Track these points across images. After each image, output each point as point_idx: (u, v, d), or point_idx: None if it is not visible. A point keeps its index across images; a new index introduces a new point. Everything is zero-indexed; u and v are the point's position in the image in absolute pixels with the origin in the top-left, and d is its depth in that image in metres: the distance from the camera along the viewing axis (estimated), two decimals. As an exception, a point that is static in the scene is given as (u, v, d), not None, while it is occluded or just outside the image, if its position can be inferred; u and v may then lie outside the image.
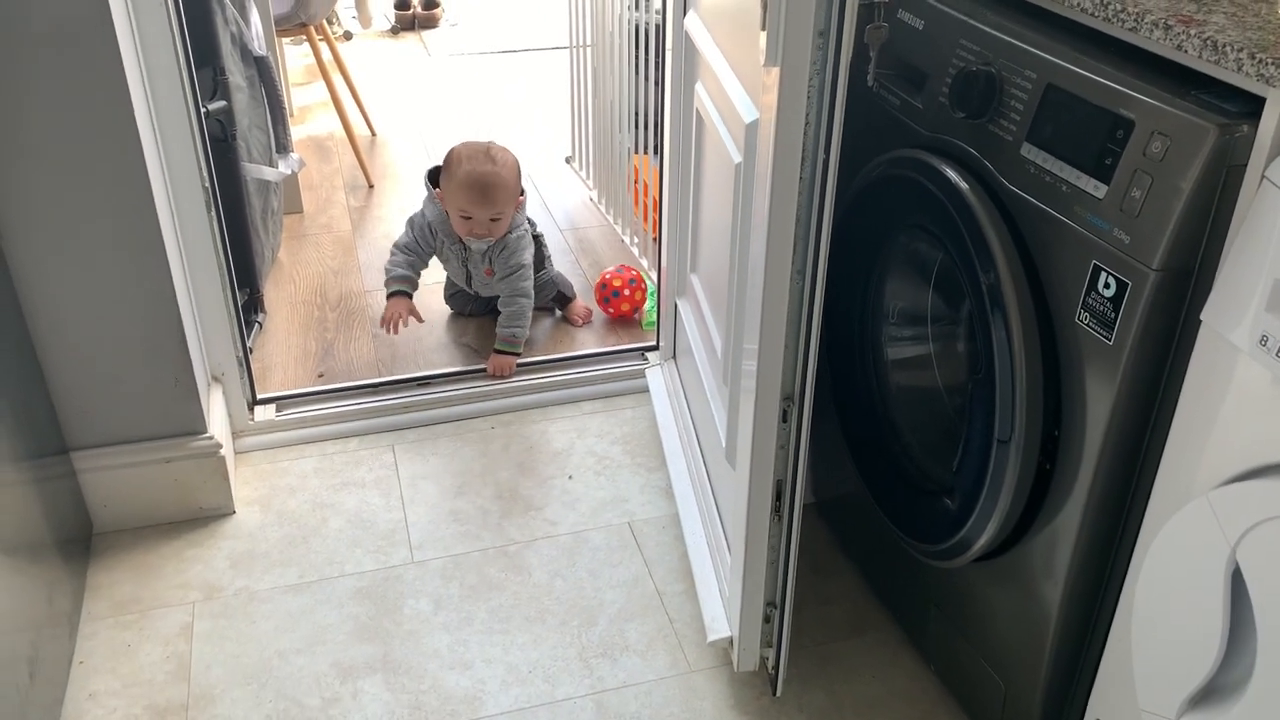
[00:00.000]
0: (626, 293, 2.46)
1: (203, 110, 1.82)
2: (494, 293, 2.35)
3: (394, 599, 1.74)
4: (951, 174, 1.27)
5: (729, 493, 1.62)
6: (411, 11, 4.83)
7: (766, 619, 1.51)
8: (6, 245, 1.60)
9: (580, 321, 2.49)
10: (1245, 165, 0.97)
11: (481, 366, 2.28)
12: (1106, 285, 1.09)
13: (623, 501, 1.95)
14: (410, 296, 2.32)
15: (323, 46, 3.26)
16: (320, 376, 2.28)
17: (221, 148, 2.18)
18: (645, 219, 2.71)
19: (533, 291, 2.35)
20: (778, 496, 1.40)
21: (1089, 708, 1.27)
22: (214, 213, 1.87)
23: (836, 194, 1.20)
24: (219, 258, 1.91)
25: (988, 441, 1.27)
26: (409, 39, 4.78)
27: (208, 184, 1.84)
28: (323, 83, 3.29)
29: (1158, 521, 1.09)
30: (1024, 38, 1.19)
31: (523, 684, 1.60)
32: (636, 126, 2.77)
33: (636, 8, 2.66)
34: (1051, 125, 1.15)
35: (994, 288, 1.20)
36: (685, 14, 1.85)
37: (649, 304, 2.47)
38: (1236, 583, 0.99)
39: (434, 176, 2.33)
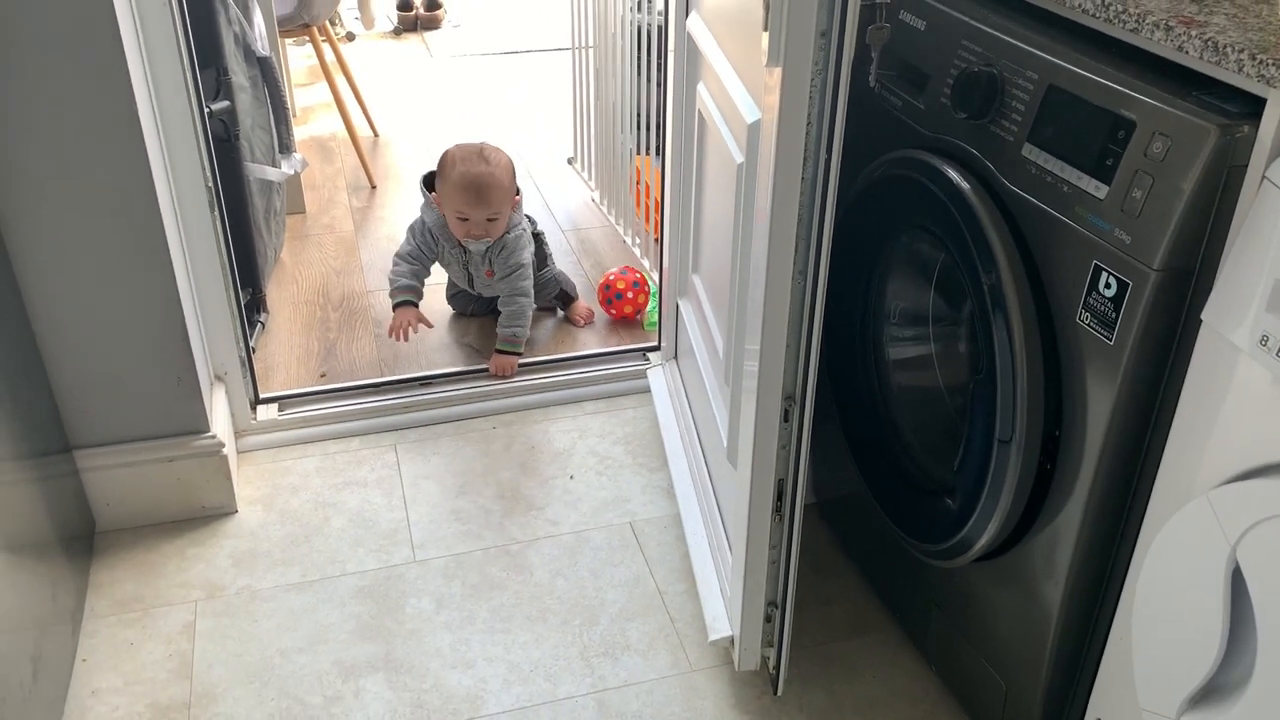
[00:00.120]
0: (630, 295, 2.46)
1: (206, 110, 1.83)
2: (496, 293, 2.36)
3: (396, 598, 1.74)
4: (953, 174, 1.27)
5: (730, 492, 1.62)
6: (414, 12, 4.84)
7: (767, 619, 1.51)
8: (10, 244, 1.60)
9: (582, 322, 2.49)
10: (1246, 166, 0.97)
11: (483, 366, 2.28)
12: (1107, 285, 1.09)
13: (624, 501, 1.96)
14: (416, 305, 2.32)
15: (325, 47, 3.27)
16: (322, 376, 2.28)
17: (225, 148, 2.18)
18: (647, 220, 2.72)
19: (533, 290, 2.35)
20: (779, 496, 1.40)
21: (1090, 707, 1.27)
22: (217, 212, 1.88)
23: (838, 194, 1.21)
24: (222, 257, 1.91)
25: (989, 441, 1.27)
26: (411, 40, 4.79)
27: (211, 184, 1.84)
28: (325, 83, 3.29)
29: (1158, 521, 1.09)
30: (1025, 39, 1.20)
31: (524, 683, 1.60)
32: (638, 127, 2.77)
33: (639, 9, 2.66)
34: (1053, 126, 1.15)
35: (995, 288, 1.21)
36: (687, 15, 1.85)
37: (651, 305, 2.47)
38: (1237, 582, 0.99)
39: (429, 182, 2.33)
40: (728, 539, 1.66)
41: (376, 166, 3.36)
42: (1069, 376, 1.18)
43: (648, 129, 2.74)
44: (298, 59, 4.14)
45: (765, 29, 1.15)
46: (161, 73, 1.71)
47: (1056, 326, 1.18)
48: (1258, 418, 0.96)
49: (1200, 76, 1.02)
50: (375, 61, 4.46)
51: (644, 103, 2.72)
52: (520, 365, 2.27)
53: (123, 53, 1.53)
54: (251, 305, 2.38)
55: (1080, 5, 1.14)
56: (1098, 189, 1.09)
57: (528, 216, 2.43)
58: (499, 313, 2.32)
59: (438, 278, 2.46)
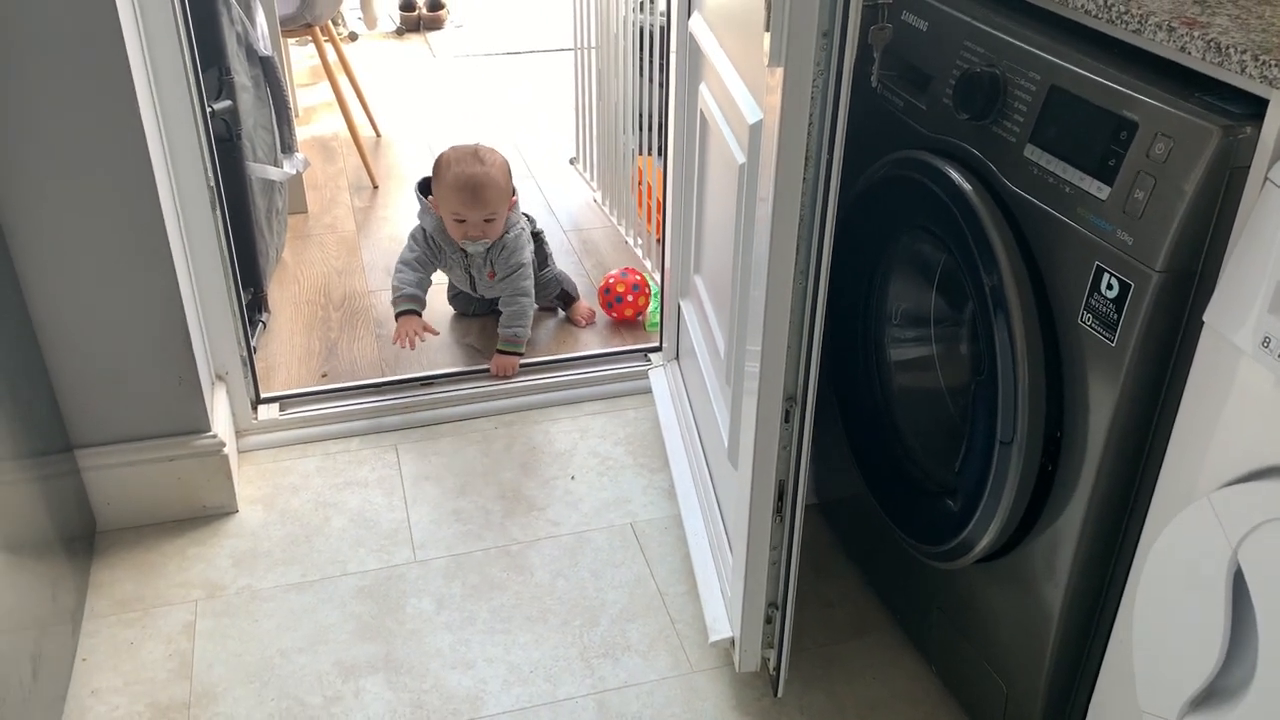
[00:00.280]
0: (630, 298, 2.45)
1: (208, 110, 1.83)
2: (498, 294, 2.36)
3: (396, 598, 1.74)
4: (955, 175, 1.27)
5: (731, 493, 1.62)
6: (416, 13, 4.84)
7: (768, 620, 1.51)
8: (12, 244, 1.60)
9: (584, 322, 2.49)
10: (1248, 167, 0.97)
11: (484, 367, 2.28)
12: (1109, 287, 1.09)
13: (625, 502, 1.95)
14: (420, 314, 2.30)
15: (328, 47, 3.27)
16: (323, 376, 2.28)
17: (226, 147, 2.18)
18: (649, 220, 2.72)
19: (534, 290, 2.35)
20: (780, 497, 1.40)
21: (1090, 709, 1.27)
22: (219, 212, 1.88)
23: (839, 195, 1.21)
24: (223, 257, 1.91)
25: (990, 443, 1.27)
26: (414, 40, 4.79)
27: (213, 183, 1.84)
28: (328, 83, 3.30)
29: (1160, 523, 1.09)
30: (1028, 39, 1.20)
31: (524, 683, 1.60)
32: (640, 128, 2.77)
33: (641, 10, 2.66)
34: (1055, 127, 1.15)
35: (997, 289, 1.20)
36: (689, 15, 1.85)
37: (652, 306, 2.47)
38: (1238, 584, 0.99)
39: (424, 187, 2.33)
40: (728, 540, 1.66)
41: (378, 166, 3.36)
42: (1070, 378, 1.18)
43: (650, 129, 2.74)
44: (300, 59, 4.14)
45: (767, 29, 1.14)
46: (163, 72, 1.71)
47: (1058, 328, 1.18)
48: (1260, 420, 0.96)
49: (1203, 78, 1.02)
50: (377, 61, 4.46)
51: (646, 103, 2.72)
52: (521, 366, 2.27)
53: (124, 52, 1.53)
54: (253, 305, 2.38)
55: (1083, 6, 1.14)
56: (1100, 190, 1.09)
57: (526, 215, 2.43)
58: (500, 313, 2.32)
59: (440, 277, 2.46)
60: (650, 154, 2.74)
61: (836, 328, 1.59)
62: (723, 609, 1.63)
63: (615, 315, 2.48)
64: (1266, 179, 0.94)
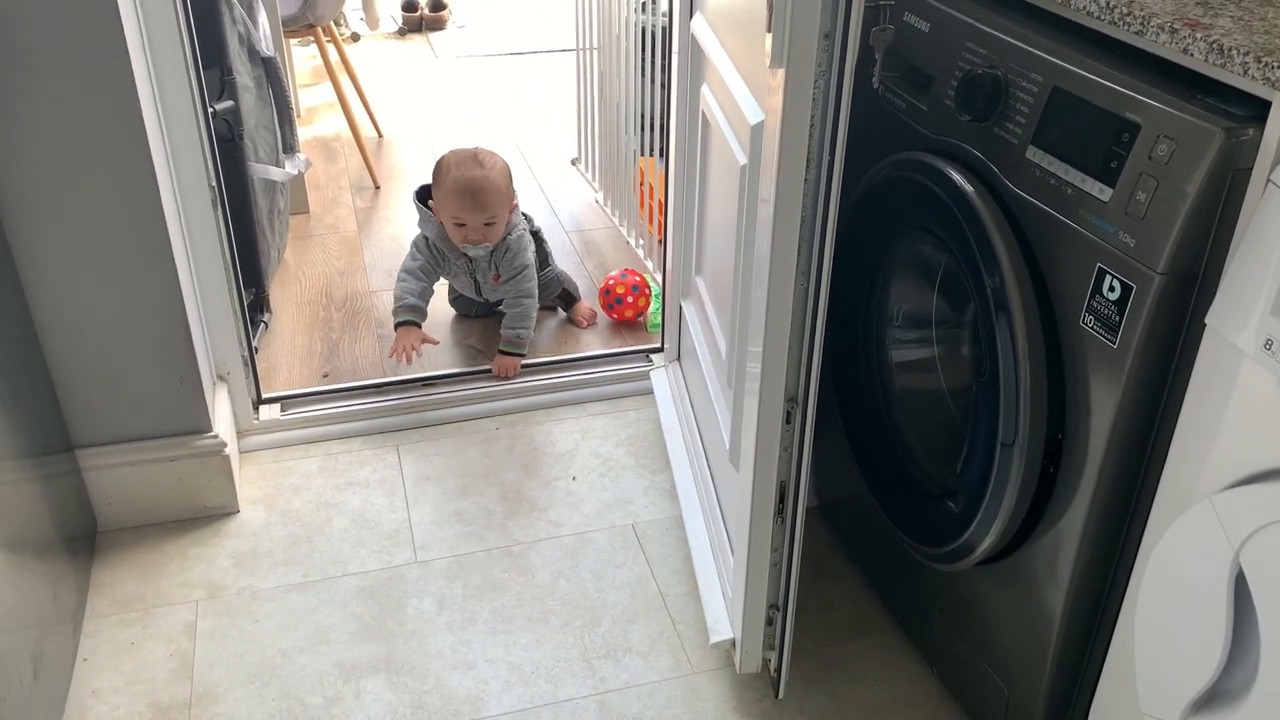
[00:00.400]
0: (630, 299, 2.45)
1: (210, 110, 1.83)
2: (502, 296, 2.35)
3: (397, 599, 1.74)
4: (956, 177, 1.27)
5: (732, 495, 1.62)
6: (419, 13, 4.84)
7: (769, 621, 1.50)
8: (14, 243, 1.60)
9: (585, 323, 2.49)
10: (1251, 169, 0.97)
11: (486, 367, 2.28)
12: (1111, 289, 1.09)
13: (626, 503, 1.95)
14: (420, 326, 2.28)
15: (330, 48, 3.27)
16: (325, 376, 2.28)
17: (228, 148, 2.18)
18: (650, 221, 2.72)
19: (537, 291, 2.35)
20: (781, 498, 1.40)
21: (1092, 711, 1.27)
22: (220, 212, 1.88)
23: (841, 196, 1.20)
24: (225, 257, 1.91)
25: (992, 444, 1.26)
26: (416, 41, 4.79)
27: (214, 183, 1.84)
28: (330, 84, 3.30)
29: (1161, 525, 1.09)
30: (1030, 41, 1.19)
31: (525, 684, 1.60)
32: (642, 129, 2.77)
33: (643, 11, 2.66)
34: (1057, 128, 1.15)
35: (998, 291, 1.20)
36: (691, 17, 1.85)
37: (654, 306, 2.47)
38: (1240, 587, 0.99)
39: (422, 195, 2.32)
40: (729, 541, 1.66)
41: (380, 167, 3.36)
42: (1072, 380, 1.18)
43: (651, 130, 2.74)
44: (302, 59, 4.14)
45: (769, 30, 1.14)
46: (165, 72, 1.71)
47: (1060, 330, 1.18)
48: (1262, 422, 0.96)
49: (1205, 79, 1.02)
50: (379, 62, 4.46)
51: (648, 104, 2.72)
52: (523, 366, 2.27)
53: (126, 52, 1.53)
54: (254, 305, 2.38)
55: (1085, 7, 1.14)
56: (1102, 192, 1.09)
57: (524, 215, 2.42)
58: (501, 314, 2.32)
59: (441, 283, 2.46)
60: (652, 155, 2.74)
61: (838, 329, 1.58)
62: (724, 610, 1.63)
63: (615, 316, 2.48)
64: (1269, 181, 0.93)
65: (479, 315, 2.49)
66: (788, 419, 1.34)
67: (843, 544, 1.85)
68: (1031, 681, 1.35)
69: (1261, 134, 0.96)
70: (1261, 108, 0.96)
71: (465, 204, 2.20)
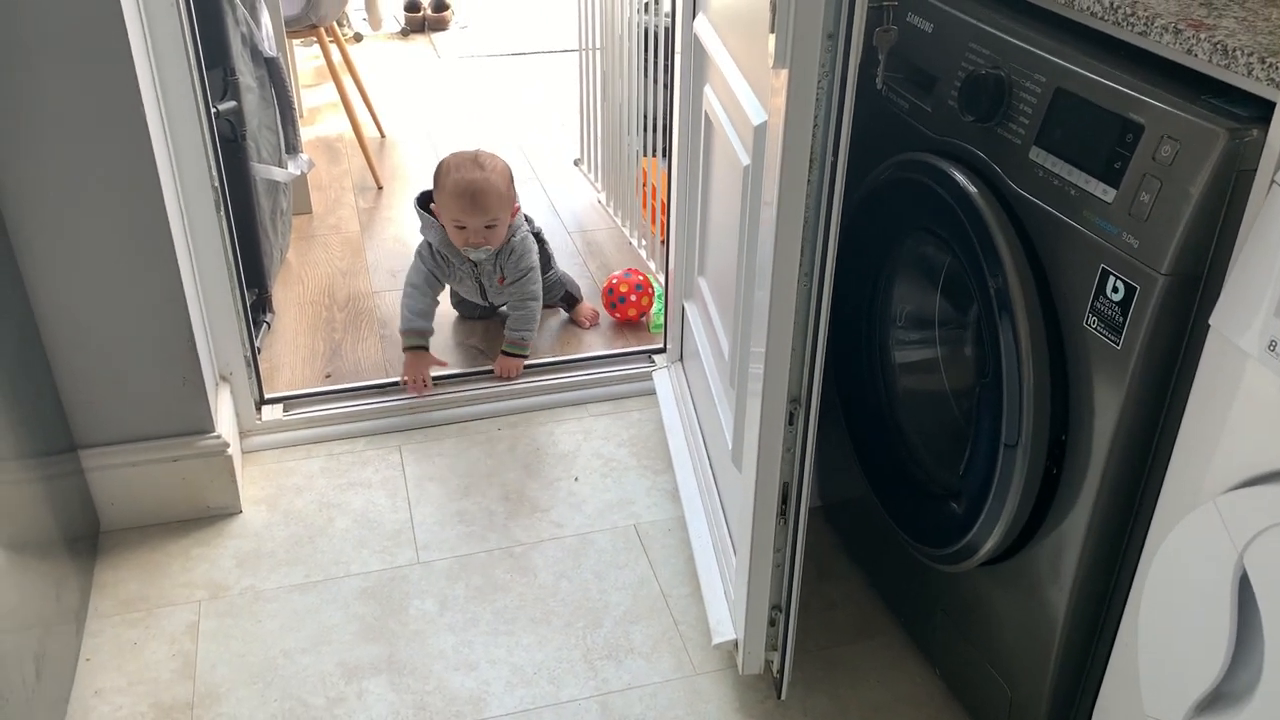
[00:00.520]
0: (633, 298, 2.46)
1: (213, 110, 1.83)
2: (507, 299, 2.35)
3: (399, 599, 1.74)
4: (960, 177, 1.26)
5: (735, 495, 1.62)
6: (421, 14, 4.84)
7: (771, 622, 1.50)
8: (16, 243, 1.61)
9: (587, 324, 2.49)
10: (1255, 170, 0.97)
11: (488, 368, 2.28)
12: (1115, 289, 1.09)
13: (629, 504, 1.95)
14: (427, 347, 2.26)
15: (333, 48, 3.27)
16: (327, 377, 2.29)
17: (231, 148, 2.19)
18: (653, 222, 2.72)
19: (541, 294, 2.35)
20: (784, 499, 1.40)
21: (1095, 713, 1.26)
22: (223, 213, 1.88)
23: (844, 197, 1.20)
24: (228, 258, 1.91)
25: (995, 445, 1.26)
26: (419, 41, 4.79)
27: (217, 184, 1.84)
28: (332, 84, 3.30)
29: (1165, 527, 1.09)
30: (1033, 41, 1.19)
31: (528, 685, 1.60)
32: (645, 129, 2.77)
33: (646, 11, 2.66)
34: (1060, 129, 1.15)
35: (1002, 291, 1.20)
36: (694, 17, 1.85)
37: (656, 307, 2.47)
38: (1244, 589, 0.99)
39: (423, 201, 2.31)
40: (732, 542, 1.66)
41: (383, 167, 3.36)
42: (1076, 381, 1.18)
43: (654, 131, 2.74)
44: (305, 60, 4.14)
45: (772, 31, 1.14)
46: (168, 73, 1.71)
47: (1063, 330, 1.18)
48: (1265, 423, 0.95)
49: (1209, 80, 1.02)
50: (382, 62, 4.46)
51: (650, 104, 2.72)
52: (525, 367, 2.27)
53: (130, 52, 1.53)
54: (257, 305, 2.38)
55: (1088, 8, 1.14)
56: (1105, 192, 1.09)
57: (525, 216, 2.42)
58: (503, 314, 2.32)
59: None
60: (655, 155, 2.74)
61: (841, 330, 1.58)
62: (726, 611, 1.63)
63: (619, 316, 2.48)
64: (1273, 182, 0.93)
65: (481, 317, 2.49)
66: (790, 419, 1.34)
67: (845, 545, 1.85)
68: (1035, 683, 1.35)
69: (1266, 135, 0.95)
70: (1265, 108, 0.96)
71: (465, 206, 2.19)
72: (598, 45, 2.97)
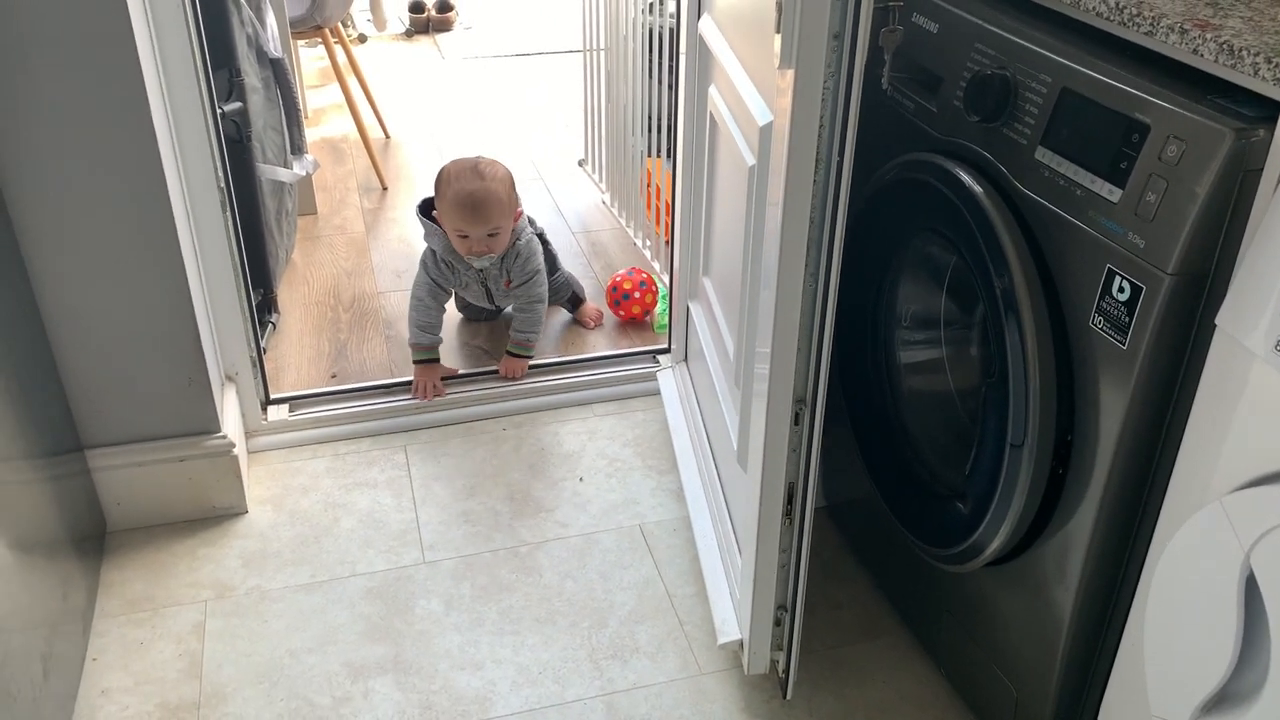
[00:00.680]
0: (637, 295, 2.46)
1: (218, 111, 1.83)
2: (513, 302, 2.34)
3: (405, 599, 1.74)
4: (965, 178, 1.26)
5: (740, 495, 1.62)
6: (426, 14, 4.85)
7: (777, 622, 1.50)
8: (23, 245, 1.61)
9: (592, 324, 2.49)
10: (1261, 170, 0.97)
11: (493, 368, 2.28)
12: (1121, 289, 1.09)
13: (634, 504, 1.95)
14: (438, 359, 2.26)
15: (337, 49, 3.27)
16: (333, 377, 2.29)
17: (236, 149, 2.19)
18: (658, 222, 2.72)
19: (547, 295, 2.35)
20: (789, 499, 1.40)
21: (1101, 713, 1.26)
22: (229, 213, 1.88)
23: (850, 197, 1.20)
24: (234, 258, 1.92)
25: (1001, 445, 1.26)
26: (423, 42, 4.79)
27: (223, 185, 1.85)
28: (337, 85, 3.30)
29: (1171, 527, 1.09)
30: (1039, 41, 1.19)
31: (533, 685, 1.60)
32: (650, 130, 2.77)
33: (650, 11, 2.66)
34: (1066, 129, 1.15)
35: (1008, 292, 1.20)
36: (699, 17, 1.85)
37: (660, 306, 2.47)
38: (1250, 589, 0.98)
39: (425, 209, 2.30)
40: (737, 542, 1.66)
41: (388, 168, 3.37)
42: (1081, 381, 1.18)
43: (659, 131, 2.74)
44: (310, 60, 4.15)
45: (778, 31, 1.14)
46: (174, 73, 1.72)
47: (1069, 330, 1.18)
48: (1272, 423, 0.95)
49: (1215, 80, 1.02)
50: (387, 63, 4.47)
51: (655, 105, 2.72)
52: (530, 367, 2.27)
53: (136, 53, 1.53)
54: (263, 306, 2.39)
55: (1094, 8, 1.14)
56: (1111, 193, 1.09)
57: (529, 218, 2.41)
58: (509, 315, 2.31)
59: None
60: (659, 156, 2.74)
61: (846, 330, 1.58)
62: (731, 611, 1.63)
63: (623, 314, 2.48)
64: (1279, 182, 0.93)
65: (487, 318, 2.49)
66: (796, 420, 1.34)
67: (851, 545, 1.85)
68: (1040, 683, 1.35)
69: (1272, 135, 0.95)
70: (1272, 108, 0.96)
71: (467, 216, 2.17)
72: (602, 46, 2.97)
